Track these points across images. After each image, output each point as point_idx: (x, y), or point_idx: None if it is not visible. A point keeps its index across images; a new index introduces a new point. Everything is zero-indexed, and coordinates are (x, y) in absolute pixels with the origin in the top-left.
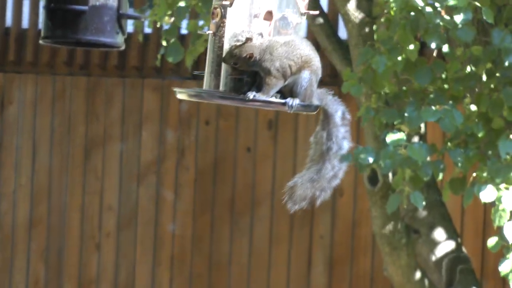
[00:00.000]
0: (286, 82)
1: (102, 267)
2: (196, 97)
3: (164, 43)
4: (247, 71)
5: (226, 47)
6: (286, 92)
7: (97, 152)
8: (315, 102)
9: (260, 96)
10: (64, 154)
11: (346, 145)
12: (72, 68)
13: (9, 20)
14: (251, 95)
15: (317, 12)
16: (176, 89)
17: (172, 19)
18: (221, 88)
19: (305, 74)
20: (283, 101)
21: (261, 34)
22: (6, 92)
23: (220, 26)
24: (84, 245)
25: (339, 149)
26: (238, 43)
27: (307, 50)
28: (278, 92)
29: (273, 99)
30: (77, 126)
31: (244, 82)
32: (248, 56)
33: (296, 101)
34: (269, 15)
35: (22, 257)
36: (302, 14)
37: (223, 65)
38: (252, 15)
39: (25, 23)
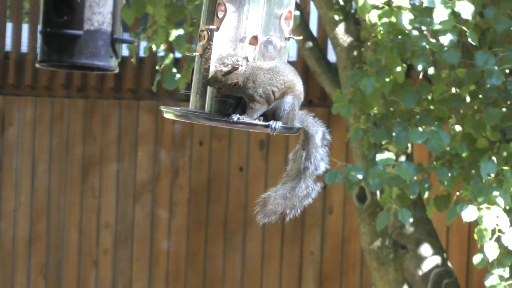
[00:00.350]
0: (270, 107)
1: (99, 283)
2: (182, 117)
3: (158, 68)
4: (231, 95)
5: (212, 69)
6: (269, 115)
7: (94, 172)
8: (297, 124)
9: (244, 119)
10: (62, 173)
11: (323, 166)
12: (69, 91)
13: (8, 45)
14: (235, 117)
15: (301, 37)
16: (163, 108)
17: (166, 46)
18: (206, 109)
19: (288, 99)
20: (266, 123)
21: (246, 58)
22: (6, 114)
23: (206, 49)
24: (82, 261)
25: (316, 169)
26: (224, 69)
27: (290, 76)
28: (261, 115)
29: (257, 122)
30: (74, 147)
31: (229, 104)
32: (233, 84)
33: (278, 124)
34: (254, 40)
35: (22, 272)
36: (286, 39)
37: (209, 87)
38: (238, 39)
39: (24, 47)
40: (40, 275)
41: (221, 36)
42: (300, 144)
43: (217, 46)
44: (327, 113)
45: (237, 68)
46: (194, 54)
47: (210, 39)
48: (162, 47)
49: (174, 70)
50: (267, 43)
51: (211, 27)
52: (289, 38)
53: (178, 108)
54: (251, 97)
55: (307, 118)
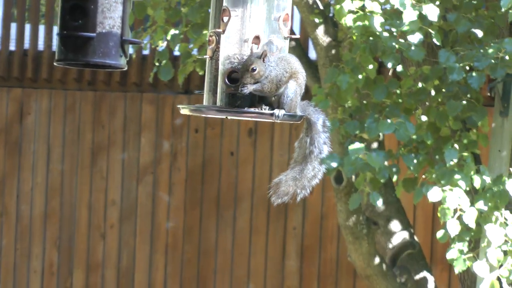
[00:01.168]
0: (277, 93)
1: (107, 254)
2: (196, 111)
3: (156, 63)
4: (246, 83)
5: (221, 68)
6: (274, 103)
7: (102, 156)
8: (299, 112)
9: (282, 112)
10: (74, 157)
11: (326, 149)
12: (81, 84)
13: (27, 43)
14: (278, 112)
15: (298, 36)
16: (179, 106)
17: (165, 42)
18: (218, 103)
19: (291, 85)
20: (271, 112)
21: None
22: (24, 104)
23: (215, 51)
24: (91, 235)
25: (320, 152)
26: (255, 52)
27: (296, 64)
28: (266, 104)
29: (263, 111)
30: (85, 134)
31: (237, 97)
32: (255, 69)
33: (282, 112)
34: (256, 39)
35: (38, 244)
36: (285, 38)
37: (219, 84)
38: (243, 40)
39: (41, 45)
40: (54, 246)
41: (228, 38)
42: (304, 132)
43: (224, 47)
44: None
45: (266, 54)
46: (205, 57)
47: (218, 42)
48: (160, 44)
49: (168, 64)
50: (268, 43)
51: (217, 30)
52: (288, 37)
53: (193, 106)
54: (266, 80)
55: (308, 107)
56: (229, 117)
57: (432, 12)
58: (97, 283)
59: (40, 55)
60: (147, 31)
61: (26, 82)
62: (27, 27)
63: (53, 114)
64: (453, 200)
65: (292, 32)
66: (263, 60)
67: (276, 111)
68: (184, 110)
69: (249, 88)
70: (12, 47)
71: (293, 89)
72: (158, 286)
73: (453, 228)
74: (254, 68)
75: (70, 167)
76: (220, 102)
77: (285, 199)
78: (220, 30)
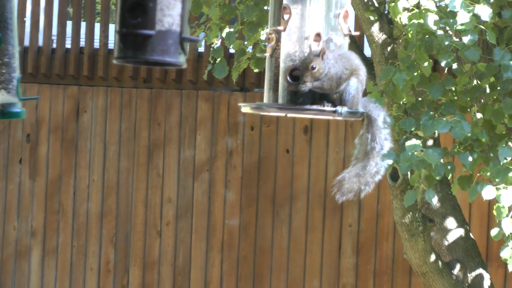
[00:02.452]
0: (338, 90)
1: (163, 251)
2: (257, 109)
3: (211, 61)
4: (306, 81)
5: (282, 66)
6: (336, 100)
7: (158, 153)
8: (360, 109)
9: (344, 109)
10: (130, 154)
11: (387, 145)
12: (137, 82)
13: (82, 41)
14: (340, 109)
15: (357, 33)
16: (240, 104)
17: (220, 40)
18: (280, 101)
19: (353, 82)
20: (333, 109)
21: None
22: (80, 102)
23: (275, 49)
24: (148, 232)
25: (381, 148)
26: (314, 50)
27: (357, 61)
28: (327, 101)
29: (326, 108)
30: (141, 131)
31: (299, 95)
32: (315, 67)
33: (344, 109)
34: (317, 37)
35: (95, 242)
36: (344, 35)
37: (280, 81)
38: (303, 38)
39: (97, 43)
40: (110, 244)
41: (288, 36)
42: (365, 128)
43: (285, 45)
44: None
45: (324, 52)
46: (265, 55)
47: (278, 40)
48: (215, 41)
49: (223, 61)
50: (328, 40)
51: (279, 28)
52: (347, 34)
53: (254, 103)
54: (325, 77)
55: (369, 103)
56: (289, 115)
57: (485, 12)
58: (153, 281)
59: (96, 53)
60: (201, 28)
61: (82, 80)
62: (83, 25)
63: (109, 112)
64: (507, 198)
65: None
66: (322, 57)
67: (339, 108)
68: (245, 108)
69: (307, 86)
70: (68, 45)
71: (355, 86)
72: (214, 284)
73: (508, 226)
74: (314, 66)
75: (127, 164)
76: (282, 100)
77: (350, 196)
78: (281, 28)
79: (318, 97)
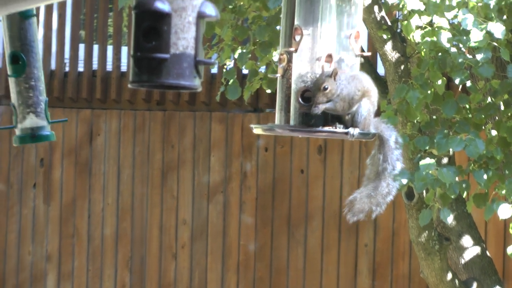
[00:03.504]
0: (349, 111)
1: (178, 273)
2: (268, 130)
3: (223, 81)
4: (319, 102)
5: (294, 87)
6: (348, 121)
7: (172, 175)
8: (372, 130)
9: (357, 130)
10: (144, 177)
11: (399, 165)
12: (150, 104)
13: (95, 64)
14: (352, 131)
15: (369, 54)
16: (252, 126)
17: (232, 61)
18: (291, 122)
19: (364, 103)
20: (345, 130)
21: (329, 74)
22: (94, 125)
23: (287, 70)
24: (163, 255)
25: (393, 169)
26: (326, 70)
27: (368, 82)
28: (340, 122)
29: (337, 129)
30: (155, 153)
31: (311, 116)
32: (327, 88)
33: (356, 130)
34: (329, 58)
35: (110, 265)
36: (356, 56)
37: (292, 103)
38: (315, 58)
39: (109, 66)
40: (126, 267)
41: (299, 57)
42: (376, 149)
43: (297, 66)
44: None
45: (337, 73)
46: (276, 75)
47: (289, 60)
48: (228, 62)
49: (235, 83)
50: (340, 61)
51: (290, 49)
52: (359, 55)
53: (266, 125)
54: (340, 99)
55: (380, 124)
56: (300, 136)
57: (498, 29)
58: None
59: (108, 75)
60: (213, 49)
61: (95, 103)
62: (95, 48)
63: (122, 135)
64: None
65: (362, 49)
66: (334, 78)
67: (351, 130)
68: (257, 130)
69: (320, 108)
70: (81, 68)
71: (367, 108)
72: None
73: None
74: (326, 86)
75: (141, 187)
76: (294, 121)
77: (361, 216)
78: (293, 48)
79: (330, 118)
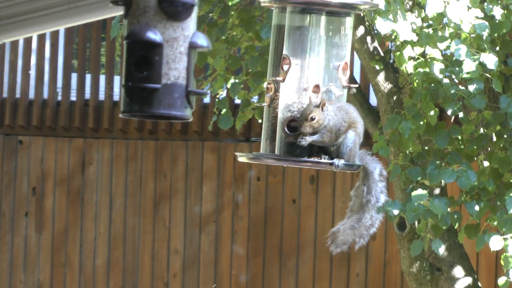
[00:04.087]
0: (335, 142)
1: None
2: (254, 159)
3: (215, 111)
4: (306, 133)
5: (280, 116)
6: (333, 152)
7: (164, 204)
8: (357, 162)
9: (341, 161)
10: (136, 206)
11: (383, 198)
12: (142, 133)
13: (88, 93)
14: (337, 162)
15: (356, 85)
16: (237, 154)
17: (225, 91)
18: (277, 151)
19: (350, 135)
20: (330, 161)
21: (316, 104)
22: (86, 154)
23: (274, 99)
24: (155, 284)
25: (377, 201)
26: (314, 102)
27: (355, 114)
28: (325, 153)
29: (322, 160)
30: (147, 182)
31: (296, 146)
32: (315, 118)
33: (341, 161)
34: (316, 88)
35: None
36: (343, 87)
37: (278, 132)
38: (302, 89)
39: (102, 95)
40: None
41: (287, 86)
42: (361, 181)
43: (284, 96)
44: (370, 151)
45: (324, 104)
46: (263, 104)
47: (276, 90)
48: (220, 92)
49: (228, 112)
50: (327, 92)
51: (277, 79)
52: (347, 86)
53: (251, 154)
54: (327, 130)
55: (365, 156)
56: (285, 165)
57: (490, 60)
58: None
59: (101, 105)
60: (207, 80)
61: (87, 132)
62: (88, 77)
63: (115, 164)
64: None
65: (351, 81)
66: (322, 109)
67: (336, 161)
68: (242, 158)
69: (307, 140)
70: (73, 97)
71: (352, 139)
72: None
73: None
74: (313, 117)
75: (133, 216)
76: (279, 151)
77: (344, 248)
78: (280, 78)
79: (316, 148)
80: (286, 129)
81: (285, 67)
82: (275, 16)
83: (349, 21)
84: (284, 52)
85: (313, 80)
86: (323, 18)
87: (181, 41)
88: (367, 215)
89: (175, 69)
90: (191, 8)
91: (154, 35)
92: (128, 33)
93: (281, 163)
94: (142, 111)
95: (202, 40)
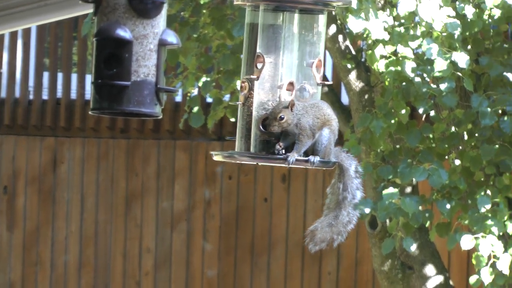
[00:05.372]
0: (314, 140)
1: None
2: (229, 157)
3: (187, 110)
4: (276, 133)
5: (255, 114)
6: (308, 150)
7: (136, 203)
8: (332, 159)
9: (295, 156)
10: (108, 205)
11: (359, 194)
12: (114, 132)
13: (59, 92)
14: (290, 159)
15: (330, 83)
16: (212, 152)
17: (196, 89)
18: (252, 149)
19: (325, 132)
20: (306, 158)
21: (287, 103)
22: (58, 153)
23: (248, 97)
24: (127, 283)
25: (353, 198)
26: (283, 102)
27: (329, 111)
28: None
29: (298, 157)
30: (119, 181)
31: (272, 144)
32: (283, 118)
33: (317, 158)
34: (290, 86)
35: None
36: (318, 85)
37: (252, 130)
38: (276, 86)
39: (73, 94)
40: None
41: (261, 84)
42: (336, 178)
43: (258, 94)
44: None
45: (293, 104)
46: (237, 103)
47: (250, 88)
48: (192, 90)
49: (199, 111)
50: (301, 89)
51: (251, 77)
52: (321, 83)
53: (227, 152)
54: (300, 130)
55: (340, 153)
56: (260, 163)
57: (462, 59)
58: None
59: (72, 103)
60: (178, 78)
61: (59, 131)
62: (60, 76)
63: (86, 163)
64: (486, 247)
65: (324, 78)
66: (291, 109)
67: (311, 158)
68: (217, 157)
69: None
70: (45, 96)
71: (327, 137)
72: None
73: (486, 276)
74: (282, 116)
75: (104, 215)
76: (254, 149)
77: (323, 245)
78: (254, 76)
79: (291, 146)
80: (261, 127)
81: (259, 65)
82: (248, 15)
83: (322, 18)
84: (258, 50)
85: (287, 77)
86: (296, 16)
87: (150, 38)
88: (344, 212)
89: (145, 66)
90: (161, 6)
91: (123, 33)
92: (97, 30)
93: (257, 161)
94: (111, 108)
95: (172, 37)
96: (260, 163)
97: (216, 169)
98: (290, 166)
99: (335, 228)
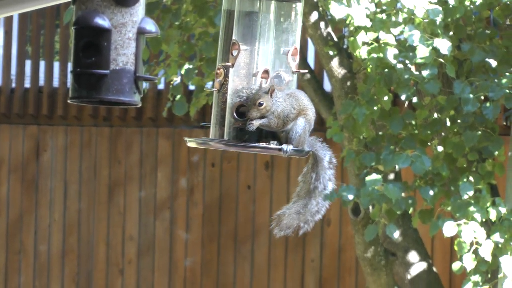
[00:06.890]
0: (285, 128)
1: None
2: (203, 144)
3: (170, 98)
4: (254, 118)
5: (229, 101)
6: (282, 138)
7: (119, 191)
8: (306, 148)
9: (290, 147)
10: (91, 193)
11: (331, 186)
12: (96, 120)
13: (41, 80)
14: (286, 147)
15: (306, 71)
16: (186, 139)
17: (179, 77)
18: (225, 137)
19: (300, 121)
20: (279, 147)
21: (264, 89)
22: (40, 141)
23: (223, 84)
24: (110, 270)
25: (324, 188)
26: (264, 87)
27: (305, 101)
28: (274, 138)
29: (271, 145)
30: (102, 169)
31: (245, 131)
32: (262, 104)
33: (290, 147)
34: (265, 73)
35: (56, 281)
36: (293, 73)
37: (227, 117)
38: (251, 74)
39: (56, 82)
40: (72, 283)
41: (236, 72)
42: (310, 167)
43: (233, 81)
44: (324, 137)
45: (274, 90)
46: (213, 89)
47: (226, 75)
48: (174, 78)
49: (182, 98)
50: (277, 77)
51: (226, 64)
52: (296, 72)
53: (200, 139)
54: (272, 115)
55: (315, 143)
56: (234, 150)
57: (444, 45)
58: None
59: (55, 91)
60: (160, 65)
61: (41, 119)
62: (42, 64)
63: (69, 151)
64: (468, 233)
65: (302, 66)
66: (271, 95)
67: (284, 146)
68: (191, 143)
69: (254, 125)
70: (27, 84)
71: (302, 126)
72: None
73: (469, 262)
74: (261, 102)
75: (87, 203)
76: (228, 136)
77: (288, 232)
78: (229, 63)
79: (264, 134)
80: (235, 114)
81: (234, 53)
82: (225, 1)
83: (299, 6)
84: (234, 37)
85: (262, 65)
86: (273, 4)
87: (129, 27)
88: (313, 201)
89: (124, 54)
90: None
91: (102, 21)
92: (76, 19)
93: (230, 148)
94: (90, 97)
95: (151, 26)
96: (234, 150)
97: (200, 157)
98: (250, 152)
99: (302, 216)
